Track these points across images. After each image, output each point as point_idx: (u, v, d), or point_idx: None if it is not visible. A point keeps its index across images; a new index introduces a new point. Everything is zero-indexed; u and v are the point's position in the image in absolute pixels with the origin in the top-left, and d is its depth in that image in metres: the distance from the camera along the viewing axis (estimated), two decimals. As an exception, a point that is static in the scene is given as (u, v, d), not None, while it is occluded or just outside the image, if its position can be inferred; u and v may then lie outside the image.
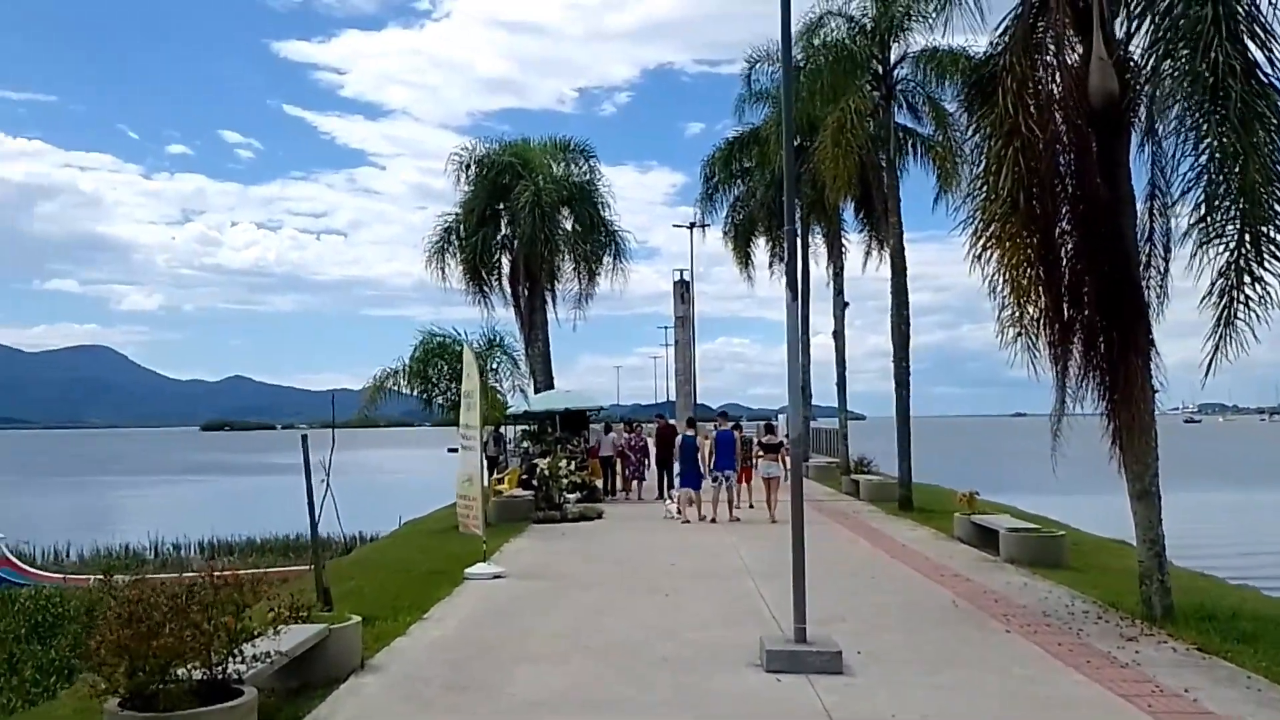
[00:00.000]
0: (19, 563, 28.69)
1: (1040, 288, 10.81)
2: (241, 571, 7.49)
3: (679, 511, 20.31)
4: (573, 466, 22.43)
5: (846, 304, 30.84)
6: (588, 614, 11.14)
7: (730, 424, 22.32)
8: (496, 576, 13.45)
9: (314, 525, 9.95)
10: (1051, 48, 10.81)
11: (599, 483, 25.56)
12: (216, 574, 6.99)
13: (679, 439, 21.85)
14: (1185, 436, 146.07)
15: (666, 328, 77.15)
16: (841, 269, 30.99)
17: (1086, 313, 10.81)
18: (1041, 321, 10.90)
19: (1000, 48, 11.15)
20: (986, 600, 11.67)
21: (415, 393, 19.70)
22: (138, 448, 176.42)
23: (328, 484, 22.57)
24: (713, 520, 19.62)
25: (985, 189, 11.04)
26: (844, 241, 31.75)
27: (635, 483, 24.85)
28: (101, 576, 16.18)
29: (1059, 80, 10.72)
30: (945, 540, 17.08)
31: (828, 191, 24.64)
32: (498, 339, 20.08)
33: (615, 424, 28.54)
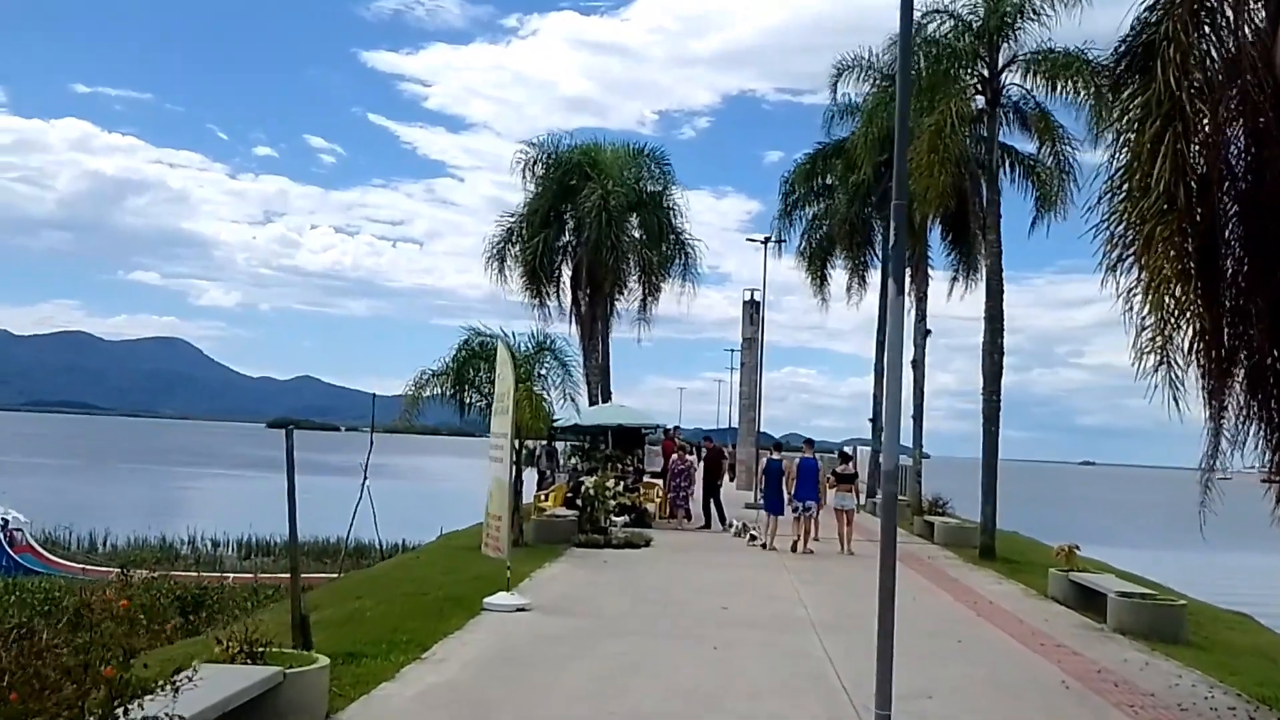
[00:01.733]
0: (41, 550, 27.79)
1: (1195, 306, 8.79)
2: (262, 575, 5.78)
3: (762, 534, 19.69)
4: (622, 487, 20.61)
5: (929, 331, 28.66)
6: (618, 669, 9.28)
7: (813, 452, 20.99)
8: (520, 609, 11.67)
9: (293, 535, 8.23)
10: (1228, 13, 8.81)
11: (651, 506, 23.72)
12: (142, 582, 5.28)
13: (763, 463, 20.90)
14: None
15: (733, 350, 75.21)
16: (925, 294, 28.83)
17: (1254, 339, 8.76)
18: (1194, 348, 8.88)
19: (1158, 13, 9.16)
20: (1103, 682, 9.59)
21: (452, 396, 18.06)
22: (204, 440, 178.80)
23: (363, 488, 20.91)
24: (804, 551, 18.86)
25: (1129, 185, 9.06)
26: (929, 267, 29.61)
27: (680, 511, 22.72)
28: (120, 571, 14.93)
29: (1234, 51, 8.72)
30: (1038, 599, 14.93)
31: (917, 205, 22.61)
32: (548, 342, 18.35)
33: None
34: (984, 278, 20.08)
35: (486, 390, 17.91)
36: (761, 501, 19.42)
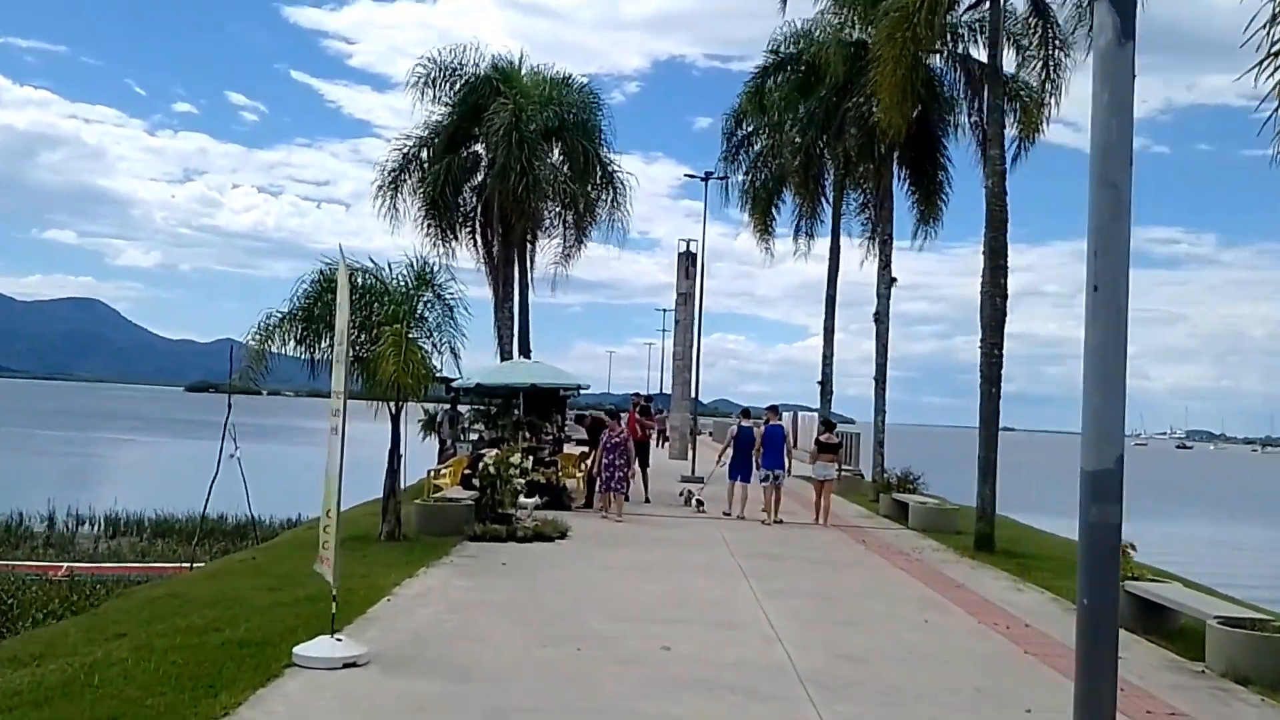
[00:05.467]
0: None
1: None
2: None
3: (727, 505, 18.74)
4: (532, 462, 16.43)
5: (894, 279, 24.88)
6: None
7: (778, 419, 19.33)
8: (348, 664, 7.47)
9: None
10: None
11: (571, 483, 19.64)
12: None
13: (733, 429, 19.69)
14: (1219, 465, 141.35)
15: (665, 310, 71.45)
16: (889, 236, 24.98)
17: None
18: None
19: None
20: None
21: (301, 345, 13.70)
22: (118, 404, 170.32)
23: (219, 458, 16.39)
24: (773, 521, 17.92)
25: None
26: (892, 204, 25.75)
27: (612, 496, 17.86)
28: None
29: None
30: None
31: (882, 120, 18.76)
32: (428, 274, 13.95)
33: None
34: (985, 200, 16.10)
35: (351, 337, 13.59)
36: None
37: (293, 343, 13.62)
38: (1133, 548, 11.41)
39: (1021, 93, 20.42)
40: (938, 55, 22.97)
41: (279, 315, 13.84)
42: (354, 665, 7.45)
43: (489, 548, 13.68)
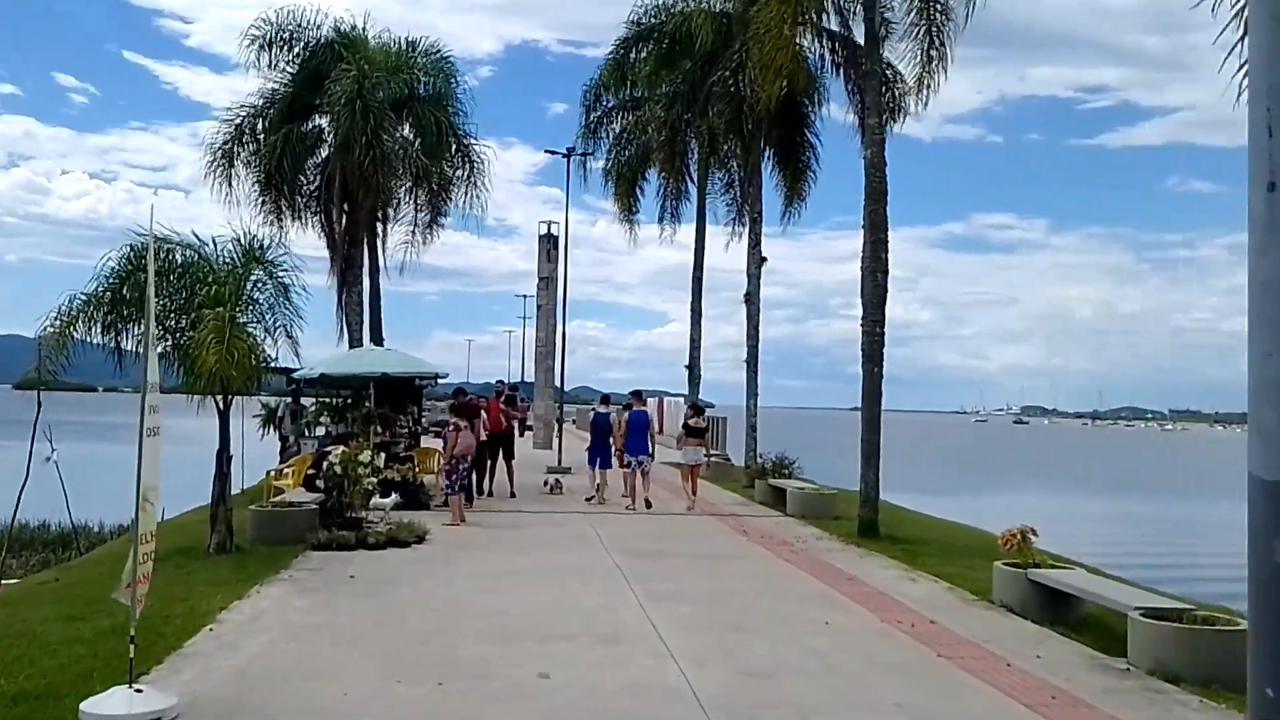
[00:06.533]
0: None
1: None
2: None
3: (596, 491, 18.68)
4: (384, 459, 14.94)
5: (764, 259, 24.13)
6: None
7: (642, 405, 19.08)
8: (152, 722, 6.03)
9: None
10: None
11: (430, 479, 18.17)
12: None
13: (590, 415, 19.67)
14: (1060, 439, 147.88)
15: (526, 296, 69.93)
16: (759, 214, 24.21)
17: None
18: None
19: None
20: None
21: (107, 333, 11.90)
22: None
23: (29, 461, 14.39)
24: (633, 508, 17.56)
25: None
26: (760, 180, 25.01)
27: (459, 496, 15.85)
28: None
29: None
30: (985, 608, 10.44)
31: (758, 85, 17.88)
32: (259, 250, 12.28)
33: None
34: (864, 170, 15.31)
35: (168, 323, 11.90)
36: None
37: (99, 330, 11.78)
38: (1034, 533, 10.83)
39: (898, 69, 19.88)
40: (806, 29, 22.30)
41: (81, 299, 11.99)
42: (158, 725, 6.00)
43: (336, 558, 12.17)
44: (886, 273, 15.05)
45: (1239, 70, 5.85)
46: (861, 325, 15.16)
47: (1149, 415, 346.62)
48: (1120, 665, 8.17)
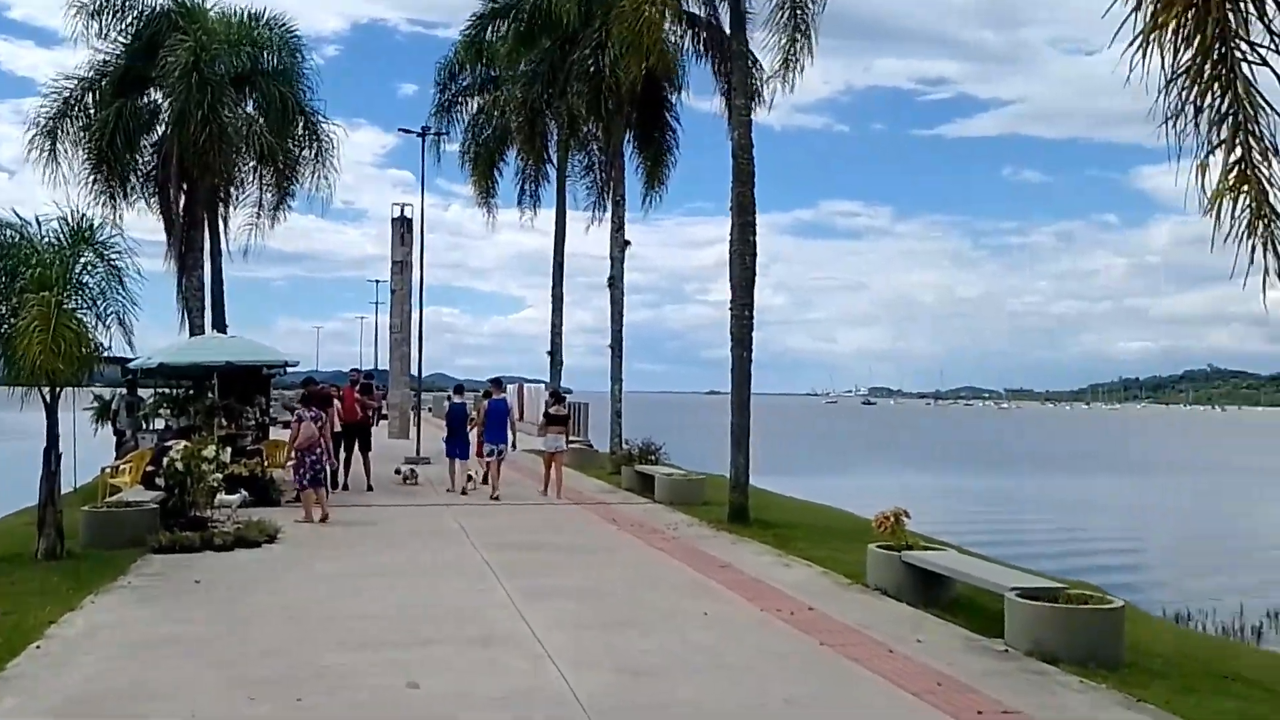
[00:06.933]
0: None
1: None
2: None
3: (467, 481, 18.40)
4: (229, 454, 14.04)
5: (628, 243, 23.85)
6: None
7: (502, 393, 19.00)
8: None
9: None
10: None
11: (279, 473, 17.21)
12: None
13: (445, 404, 19.31)
14: (923, 420, 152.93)
15: (379, 281, 68.02)
16: (622, 197, 23.92)
17: None
18: None
19: None
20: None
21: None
22: None
23: None
24: (491, 497, 17.51)
25: None
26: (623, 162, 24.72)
27: (310, 491, 14.71)
28: None
29: None
30: (860, 592, 10.40)
31: (623, 64, 17.51)
32: (88, 230, 11.24)
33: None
34: (732, 147, 15.12)
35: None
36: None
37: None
38: (907, 515, 10.83)
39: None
40: (668, 9, 22.02)
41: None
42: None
43: (179, 561, 11.30)
44: (755, 255, 14.94)
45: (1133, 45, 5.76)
46: (730, 309, 15.02)
47: (986, 395, 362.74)
48: (998, 647, 8.17)
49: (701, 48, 22.17)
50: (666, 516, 15.85)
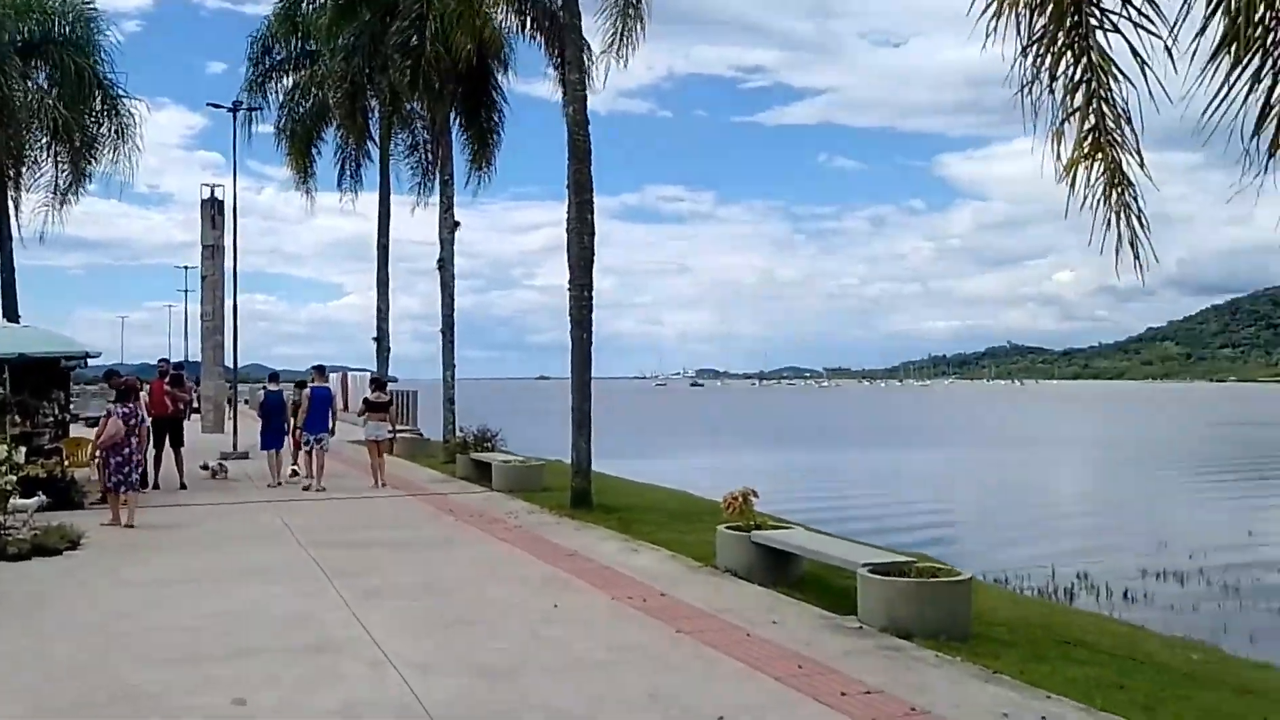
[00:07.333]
0: None
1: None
2: None
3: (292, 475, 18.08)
4: (24, 454, 12.77)
5: (458, 224, 23.10)
6: None
7: (323, 380, 18.38)
8: None
9: None
10: None
11: (84, 473, 15.86)
12: None
13: (260, 394, 18.46)
14: (747, 399, 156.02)
15: (189, 268, 64.53)
16: (451, 176, 23.14)
17: None
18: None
19: None
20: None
21: None
22: None
23: None
24: (311, 489, 16.90)
25: None
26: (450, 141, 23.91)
27: (121, 495, 13.31)
28: None
29: None
30: (710, 574, 10.23)
31: (453, 39, 16.82)
32: None
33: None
34: (567, 126, 14.69)
35: None
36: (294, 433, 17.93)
37: None
38: (755, 495, 10.73)
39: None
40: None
41: None
42: None
43: (-34, 574, 10.14)
44: (593, 234, 14.59)
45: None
46: (569, 289, 14.63)
47: (807, 374, 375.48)
48: (852, 624, 8.10)
49: (530, 25, 21.65)
50: (506, 505, 15.38)
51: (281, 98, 28.42)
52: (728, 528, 10.50)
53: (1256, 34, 4.56)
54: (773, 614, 8.45)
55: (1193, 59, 4.91)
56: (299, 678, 6.71)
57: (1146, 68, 5.48)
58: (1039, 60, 5.84)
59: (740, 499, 10.50)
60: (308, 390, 17.65)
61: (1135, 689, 6.78)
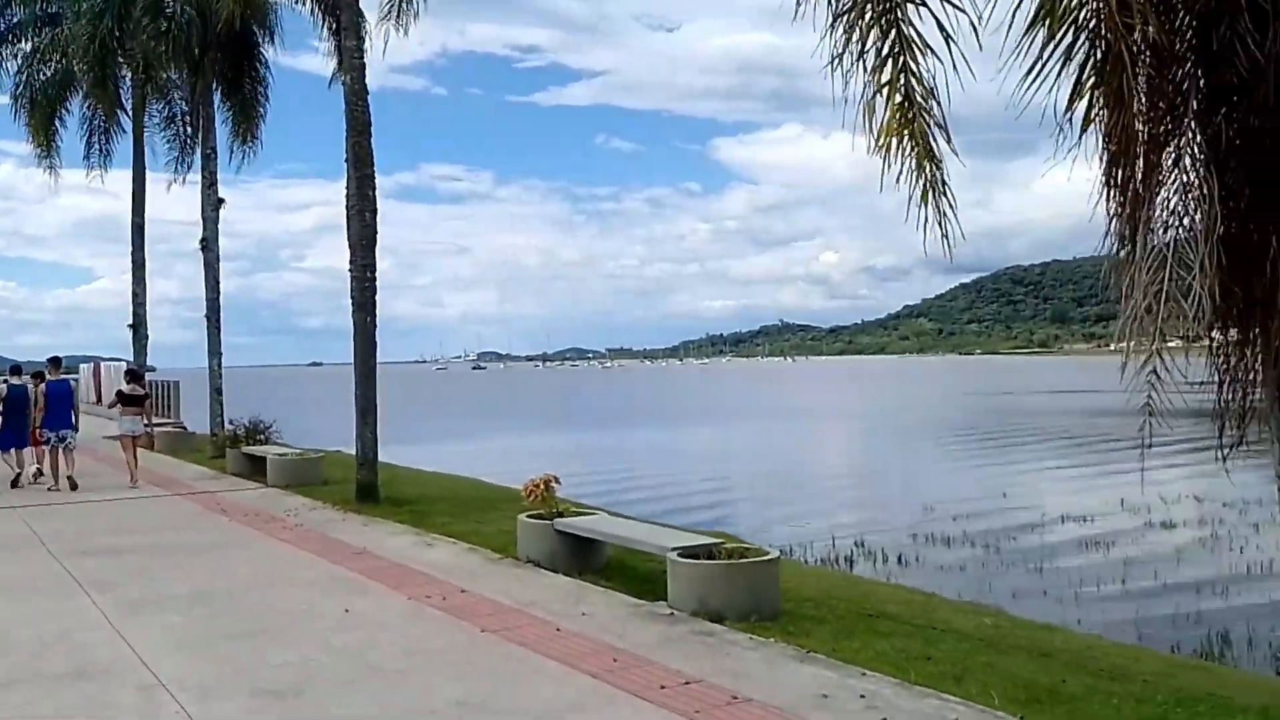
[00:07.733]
0: None
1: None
2: None
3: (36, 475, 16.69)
4: None
5: (222, 201, 21.56)
6: None
7: (61, 374, 17.34)
8: None
9: None
10: None
11: None
12: None
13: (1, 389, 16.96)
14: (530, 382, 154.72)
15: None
16: (213, 150, 21.56)
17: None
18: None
19: None
20: None
21: None
22: None
23: None
24: (59, 489, 15.79)
25: None
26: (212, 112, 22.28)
27: None
28: None
29: None
30: (513, 566, 9.84)
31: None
32: None
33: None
34: (343, 85, 13.84)
35: None
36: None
37: None
38: (557, 481, 10.41)
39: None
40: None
41: None
42: None
43: None
44: (375, 212, 13.83)
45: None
46: (350, 270, 13.83)
47: (590, 355, 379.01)
48: (663, 611, 7.93)
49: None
50: (285, 501, 14.43)
51: (19, 64, 25.84)
52: (529, 516, 10.14)
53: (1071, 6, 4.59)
54: (581, 605, 8.16)
55: (1007, 34, 4.91)
56: (57, 710, 5.89)
57: (951, 42, 5.47)
58: (849, 33, 5.74)
59: (542, 486, 10.15)
60: (43, 386, 16.33)
61: (941, 659, 6.90)
